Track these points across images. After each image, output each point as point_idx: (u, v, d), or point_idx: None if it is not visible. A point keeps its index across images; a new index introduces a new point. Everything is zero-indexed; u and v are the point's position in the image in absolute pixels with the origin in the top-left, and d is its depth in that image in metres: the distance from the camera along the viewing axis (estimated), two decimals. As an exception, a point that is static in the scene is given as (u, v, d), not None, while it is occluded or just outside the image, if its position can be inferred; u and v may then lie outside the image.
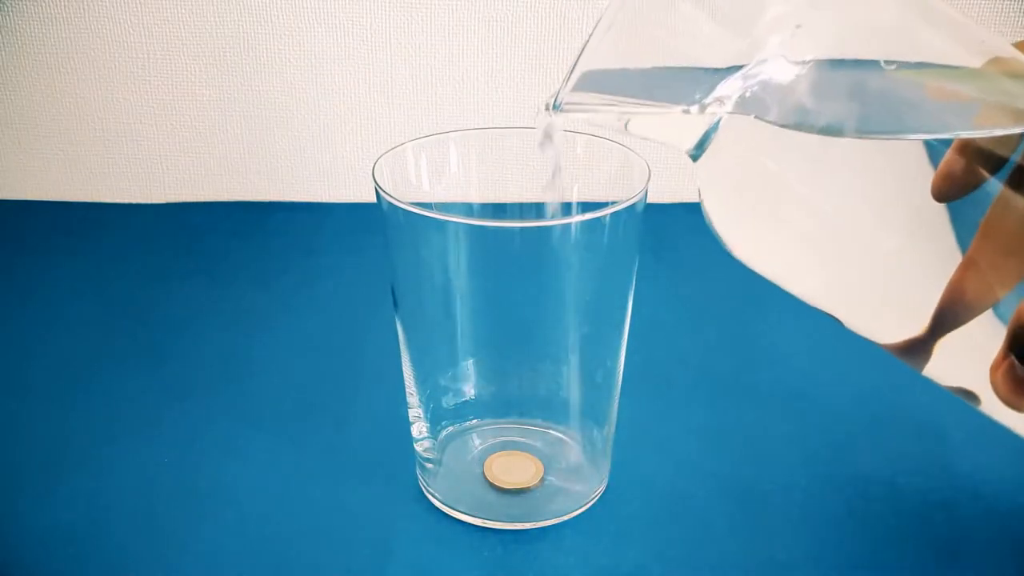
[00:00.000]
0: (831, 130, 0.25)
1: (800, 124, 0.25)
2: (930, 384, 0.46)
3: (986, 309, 0.25)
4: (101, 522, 0.37)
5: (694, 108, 0.26)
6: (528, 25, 0.61)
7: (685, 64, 0.27)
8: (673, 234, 0.59)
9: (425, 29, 0.62)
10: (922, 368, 0.28)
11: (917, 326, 0.27)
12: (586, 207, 0.32)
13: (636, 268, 0.35)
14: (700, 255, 0.58)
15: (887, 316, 0.29)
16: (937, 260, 0.26)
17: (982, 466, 0.40)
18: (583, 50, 0.28)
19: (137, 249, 0.60)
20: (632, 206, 0.32)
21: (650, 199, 0.34)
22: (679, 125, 0.27)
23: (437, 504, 0.37)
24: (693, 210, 0.30)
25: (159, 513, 0.37)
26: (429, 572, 0.35)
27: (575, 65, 0.28)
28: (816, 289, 0.29)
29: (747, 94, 0.25)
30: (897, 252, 0.27)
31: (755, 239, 0.29)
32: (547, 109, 0.30)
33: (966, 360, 0.27)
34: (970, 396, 0.28)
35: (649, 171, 0.34)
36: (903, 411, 0.44)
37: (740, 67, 0.25)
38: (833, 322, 0.30)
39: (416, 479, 0.39)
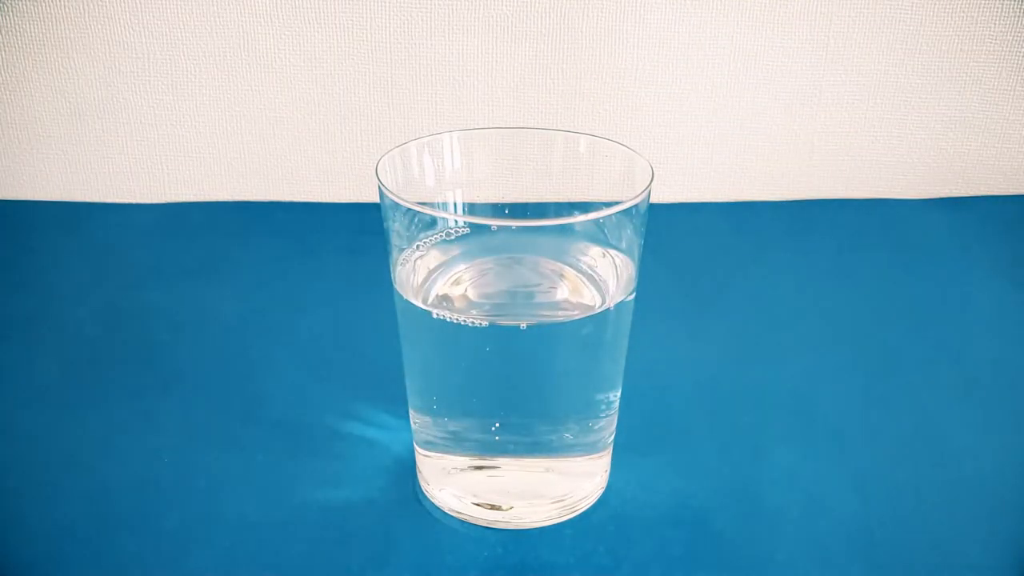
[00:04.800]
0: None
1: None
2: (930, 383, 0.46)
3: None
4: (101, 522, 0.37)
5: None
6: (528, 25, 0.61)
7: None
8: (675, 234, 0.59)
9: (425, 29, 0.62)
10: None
11: None
12: (589, 207, 0.32)
13: (639, 268, 0.35)
14: (702, 256, 0.58)
15: None
16: None
17: (982, 465, 0.40)
18: None
19: (137, 249, 0.60)
20: (635, 206, 0.32)
21: (652, 200, 0.34)
22: None
23: (433, 500, 0.37)
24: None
25: (158, 513, 0.37)
26: (429, 572, 0.35)
27: None
28: None
29: None
30: None
31: None
32: None
33: None
34: None
35: (652, 172, 0.34)
36: (903, 411, 0.44)
37: None
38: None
39: (416, 479, 0.39)
